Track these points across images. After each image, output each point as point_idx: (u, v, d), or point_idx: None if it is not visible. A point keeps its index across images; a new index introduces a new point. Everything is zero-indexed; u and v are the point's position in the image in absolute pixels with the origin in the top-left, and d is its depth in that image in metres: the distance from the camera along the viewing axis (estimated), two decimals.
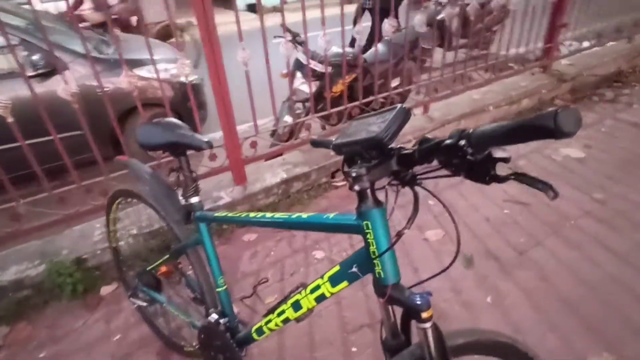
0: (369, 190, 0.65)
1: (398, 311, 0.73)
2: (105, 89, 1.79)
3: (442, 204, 0.66)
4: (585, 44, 3.63)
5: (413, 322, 0.73)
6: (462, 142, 0.51)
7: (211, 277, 1.09)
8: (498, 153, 0.51)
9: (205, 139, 0.94)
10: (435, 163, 0.60)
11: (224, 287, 1.09)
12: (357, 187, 0.65)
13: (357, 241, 1.94)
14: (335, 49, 2.76)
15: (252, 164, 2.30)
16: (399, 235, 0.64)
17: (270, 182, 2.24)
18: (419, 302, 0.63)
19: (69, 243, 1.86)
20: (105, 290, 1.77)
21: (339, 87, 2.81)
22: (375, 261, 0.67)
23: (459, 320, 1.48)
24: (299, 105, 2.90)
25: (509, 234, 1.91)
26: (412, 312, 0.65)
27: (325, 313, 1.57)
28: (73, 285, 1.70)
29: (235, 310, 1.60)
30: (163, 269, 1.32)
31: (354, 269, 0.71)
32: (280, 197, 2.28)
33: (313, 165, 2.37)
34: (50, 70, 2.57)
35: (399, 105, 0.64)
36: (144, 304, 1.32)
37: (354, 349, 1.42)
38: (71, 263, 1.73)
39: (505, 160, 0.51)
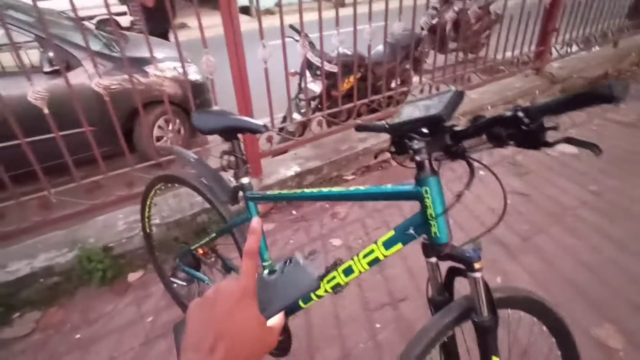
0: (427, 161, 0.76)
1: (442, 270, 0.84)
2: (116, 87, 1.85)
3: (490, 171, 0.77)
4: (574, 48, 3.82)
5: (456, 281, 0.85)
6: (520, 114, 0.62)
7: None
8: (548, 123, 0.62)
9: (262, 123, 1.03)
10: (482, 138, 0.72)
11: (269, 262, 1.18)
12: (417, 158, 0.75)
13: (372, 229, 2.05)
14: (341, 50, 2.87)
15: (266, 159, 2.39)
16: (459, 195, 0.75)
17: (285, 175, 2.33)
18: (472, 255, 0.74)
19: (94, 232, 1.91)
20: (132, 276, 1.84)
21: (344, 86, 2.93)
22: (432, 222, 0.77)
23: None
24: (303, 103, 3.00)
25: (512, 222, 2.04)
26: (466, 264, 0.75)
27: (348, 294, 1.67)
28: (103, 271, 1.76)
29: None
30: (201, 250, 1.40)
31: (410, 231, 0.81)
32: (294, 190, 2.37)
33: (324, 159, 2.47)
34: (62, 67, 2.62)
35: (454, 88, 0.74)
36: (183, 283, 1.40)
37: (377, 325, 1.53)
38: (100, 249, 1.79)
39: (555, 128, 0.62)
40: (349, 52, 2.84)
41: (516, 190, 2.29)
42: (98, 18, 7.83)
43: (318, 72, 2.81)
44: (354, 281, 1.71)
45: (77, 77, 2.55)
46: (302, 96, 3.00)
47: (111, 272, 1.79)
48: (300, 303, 1.09)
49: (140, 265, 1.88)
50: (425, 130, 0.76)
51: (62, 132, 1.71)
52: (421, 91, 2.97)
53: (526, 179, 2.41)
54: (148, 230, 1.58)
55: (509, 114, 0.63)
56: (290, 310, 1.15)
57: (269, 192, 1.08)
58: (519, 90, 3.37)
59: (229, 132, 1.08)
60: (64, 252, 1.79)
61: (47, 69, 2.49)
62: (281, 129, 2.78)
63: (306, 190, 0.99)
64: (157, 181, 1.40)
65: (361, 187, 0.88)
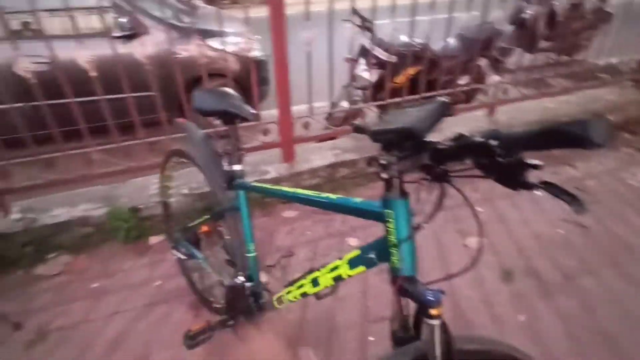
0: (396, 180, 0.65)
1: (413, 304, 0.73)
2: (177, 55, 1.92)
3: (469, 203, 0.64)
4: None
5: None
6: (493, 143, 0.49)
7: (243, 243, 1.14)
8: (530, 159, 0.49)
9: (253, 111, 0.98)
10: (469, 162, 0.58)
11: (254, 254, 1.15)
12: (384, 175, 0.65)
13: None
14: (404, 38, 2.69)
15: (303, 144, 2.35)
16: (417, 228, 0.64)
17: (317, 164, 2.27)
18: (429, 298, 0.62)
19: (129, 192, 2.04)
20: (153, 240, 1.94)
21: (401, 78, 2.75)
22: (392, 250, 0.67)
23: (485, 332, 1.43)
24: (359, 92, 2.88)
25: (559, 255, 1.78)
26: (421, 307, 0.64)
27: (349, 299, 1.59)
28: (127, 230, 1.88)
29: (265, 279, 1.68)
30: (204, 228, 1.41)
31: (372, 255, 0.72)
32: (325, 180, 2.31)
33: (362, 153, 2.36)
34: (133, 33, 2.79)
35: (440, 98, 0.62)
36: (184, 257, 1.43)
37: (371, 338, 1.43)
38: (128, 210, 1.91)
39: (537, 167, 0.48)
40: (415, 42, 2.63)
41: (574, 218, 1.99)
42: None
43: (373, 61, 2.66)
44: (359, 287, 1.64)
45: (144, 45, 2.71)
46: (355, 84, 2.90)
47: (135, 233, 1.90)
48: (274, 303, 1.05)
49: (162, 230, 1.97)
50: (406, 143, 0.65)
51: (122, 95, 1.84)
52: (485, 93, 2.68)
53: (591, 208, 2.07)
54: (165, 200, 1.64)
55: (479, 139, 0.50)
56: (264, 308, 1.11)
57: (254, 183, 1.03)
58: (608, 104, 2.89)
59: (225, 116, 1.05)
60: (99, 207, 1.94)
61: (117, 34, 2.67)
62: (329, 116, 2.73)
63: (284, 188, 0.93)
64: (172, 154, 1.43)
65: (331, 195, 0.79)
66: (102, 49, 1.76)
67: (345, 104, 2.73)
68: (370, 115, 2.55)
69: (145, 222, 1.97)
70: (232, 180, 1.12)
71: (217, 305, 1.47)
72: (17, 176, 1.86)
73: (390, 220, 0.66)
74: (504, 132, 0.49)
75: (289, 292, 0.98)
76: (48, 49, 1.66)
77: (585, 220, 1.98)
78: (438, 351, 0.64)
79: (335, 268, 0.81)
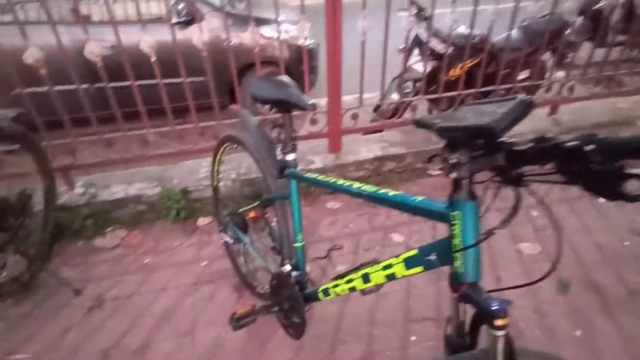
0: (466, 181, 0.61)
1: (470, 311, 0.69)
2: (231, 42, 1.94)
3: (548, 212, 0.59)
4: None
5: (483, 327, 0.69)
6: (590, 148, 0.44)
7: (291, 232, 1.15)
8: (633, 168, 0.43)
9: (310, 101, 0.96)
10: (549, 166, 0.54)
11: (302, 244, 1.15)
12: (454, 175, 0.61)
13: (441, 233, 1.86)
14: (462, 29, 2.56)
15: (350, 136, 2.32)
16: (489, 233, 0.60)
17: (364, 156, 2.24)
18: (495, 308, 0.59)
19: (180, 174, 2.12)
20: (201, 221, 2.01)
21: (456, 71, 2.62)
22: (456, 254, 0.63)
23: (537, 345, 1.35)
24: (409, 84, 2.79)
25: (623, 268, 1.64)
26: (485, 316, 0.61)
27: (392, 296, 1.56)
28: (177, 210, 1.96)
29: (308, 269, 1.69)
30: (252, 214, 1.43)
31: (432, 257, 0.69)
32: (370, 173, 2.27)
33: (411, 148, 2.30)
34: (189, 19, 2.86)
35: (521, 96, 0.57)
36: (230, 240, 1.46)
37: (412, 338, 1.40)
38: (179, 191, 1.99)
39: None
40: (474, 33, 2.50)
41: None
42: None
43: (428, 52, 2.56)
44: (401, 286, 1.60)
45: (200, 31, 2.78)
46: (405, 75, 2.81)
47: (184, 213, 1.98)
48: (320, 294, 1.04)
49: (211, 212, 2.03)
50: (477, 142, 0.61)
51: (177, 79, 1.90)
52: (547, 90, 2.50)
53: None
54: (215, 184, 1.68)
55: (573, 143, 0.46)
56: (310, 298, 1.11)
57: (308, 174, 1.03)
58: None
59: (281, 105, 1.04)
60: (153, 186, 2.03)
61: (175, 20, 2.75)
62: (377, 108, 2.68)
63: (340, 181, 0.91)
64: (225, 140, 1.45)
65: (389, 192, 0.76)
66: (160, 35, 1.82)
67: (395, 96, 2.66)
68: (421, 108, 2.46)
69: (194, 204, 2.05)
70: (284, 169, 1.12)
71: (260, 290, 1.50)
72: (81, 153, 1.98)
73: (456, 222, 0.62)
74: (601, 136, 0.44)
75: (336, 285, 0.97)
76: (114, 34, 1.73)
77: None
78: None
79: (389, 266, 0.79)
